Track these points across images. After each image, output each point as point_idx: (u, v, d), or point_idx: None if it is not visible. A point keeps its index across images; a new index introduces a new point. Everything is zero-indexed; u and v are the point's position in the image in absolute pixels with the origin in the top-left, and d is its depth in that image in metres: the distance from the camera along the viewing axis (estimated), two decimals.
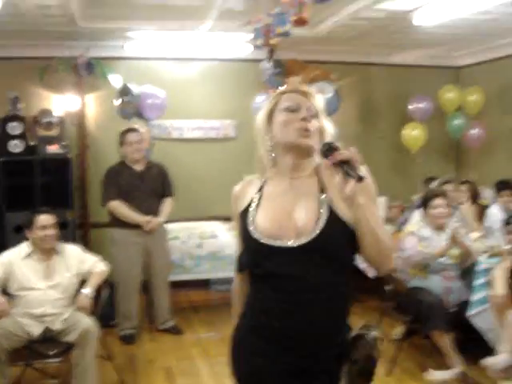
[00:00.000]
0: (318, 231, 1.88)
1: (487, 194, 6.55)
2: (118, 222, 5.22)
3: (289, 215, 1.94)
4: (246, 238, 1.98)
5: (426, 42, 6.67)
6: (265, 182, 2.09)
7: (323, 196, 1.95)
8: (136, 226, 5.19)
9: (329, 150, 1.84)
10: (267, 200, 2.02)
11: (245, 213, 2.02)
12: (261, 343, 1.96)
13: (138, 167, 5.31)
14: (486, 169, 7.37)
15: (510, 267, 3.78)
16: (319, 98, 2.06)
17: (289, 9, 3.95)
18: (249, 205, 2.04)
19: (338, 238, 1.90)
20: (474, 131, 7.21)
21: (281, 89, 2.11)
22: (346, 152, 1.80)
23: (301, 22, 3.86)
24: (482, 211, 5.93)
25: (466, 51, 7.36)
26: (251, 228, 1.96)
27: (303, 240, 1.88)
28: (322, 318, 1.90)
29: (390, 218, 6.62)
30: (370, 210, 1.87)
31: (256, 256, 1.96)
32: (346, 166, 1.79)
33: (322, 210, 1.91)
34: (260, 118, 2.11)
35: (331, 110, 6.36)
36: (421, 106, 7.20)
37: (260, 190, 2.06)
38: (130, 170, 5.28)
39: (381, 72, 7.69)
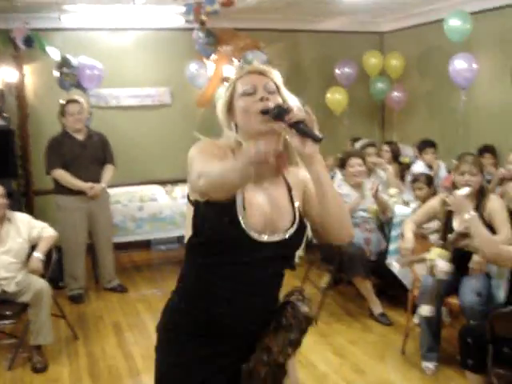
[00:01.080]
0: (291, 232, 1.92)
1: (408, 152, 7.07)
2: (62, 189, 5.44)
3: (271, 212, 1.92)
4: (230, 226, 1.85)
5: (350, 10, 7.03)
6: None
7: (296, 204, 1.97)
8: (79, 193, 5.43)
9: (281, 112, 1.80)
10: (250, 191, 1.91)
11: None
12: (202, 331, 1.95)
13: (80, 136, 5.53)
14: (408, 128, 7.92)
15: (416, 221, 4.22)
16: (276, 73, 2.00)
17: None
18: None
19: (302, 239, 1.98)
20: (396, 94, 7.70)
21: (235, 75, 2.05)
22: (300, 113, 1.77)
23: (228, 4, 4.19)
24: (402, 169, 6.44)
25: (389, 17, 7.79)
26: (239, 214, 1.86)
27: (276, 237, 1.90)
28: (267, 306, 1.99)
29: None
30: (327, 172, 1.87)
31: (238, 245, 1.88)
32: (302, 126, 1.75)
33: (295, 213, 1.95)
34: (219, 109, 2.02)
35: None
36: (345, 70, 7.63)
37: None
38: (72, 139, 5.49)
39: (308, 38, 8.06)
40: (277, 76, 1.99)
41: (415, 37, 7.71)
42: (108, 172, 5.67)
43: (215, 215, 1.85)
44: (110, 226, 5.87)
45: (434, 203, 4.12)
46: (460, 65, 6.18)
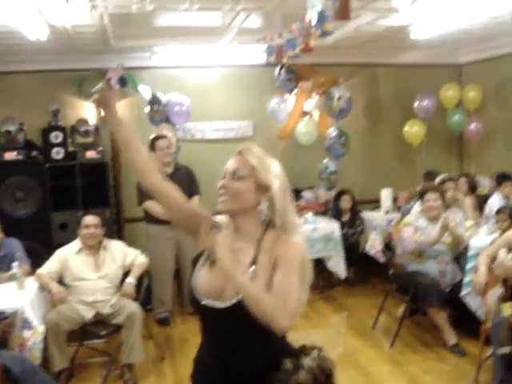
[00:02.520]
0: (232, 300, 1.97)
1: (486, 183, 7.11)
2: (152, 219, 5.76)
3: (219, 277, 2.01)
4: (192, 291, 2.11)
5: (427, 44, 7.16)
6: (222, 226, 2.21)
7: (251, 269, 2.00)
8: (168, 222, 5.77)
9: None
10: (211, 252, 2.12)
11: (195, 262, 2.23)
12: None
13: (168, 170, 5.87)
14: (486, 160, 7.96)
15: (492, 254, 4.32)
16: (255, 154, 2.11)
17: (297, 36, 4.55)
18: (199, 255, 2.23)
19: (246, 312, 1.88)
20: (473, 125, 7.78)
21: None
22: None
23: (307, 50, 4.48)
24: (480, 201, 6.48)
25: (467, 49, 7.88)
26: (195, 281, 2.12)
27: (226, 302, 1.99)
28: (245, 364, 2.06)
29: (398, 206, 7.20)
30: (238, 284, 1.89)
31: (197, 308, 2.12)
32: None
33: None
34: None
35: (346, 112, 7.00)
36: (424, 103, 7.77)
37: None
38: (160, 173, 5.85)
39: (386, 71, 8.28)
40: (255, 156, 2.10)
41: (493, 68, 7.78)
42: (195, 202, 6.00)
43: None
44: (196, 254, 6.14)
45: (511, 235, 4.21)
46: None
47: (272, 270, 1.98)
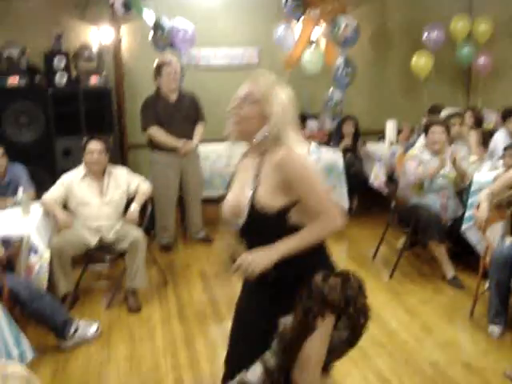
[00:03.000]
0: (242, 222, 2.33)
1: (492, 118, 7.07)
2: (156, 145, 5.82)
3: (236, 194, 2.41)
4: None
5: None
6: (244, 154, 2.54)
7: (252, 184, 2.32)
8: (172, 149, 5.79)
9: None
10: (237, 173, 2.51)
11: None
12: None
13: (173, 96, 5.83)
14: (494, 94, 7.87)
15: (494, 190, 4.32)
16: (266, 81, 2.36)
17: None
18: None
19: (254, 228, 2.31)
20: (483, 59, 7.66)
21: None
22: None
23: None
24: (485, 136, 6.45)
25: None
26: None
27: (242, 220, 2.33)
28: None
29: (400, 139, 7.20)
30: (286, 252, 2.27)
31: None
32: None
33: (248, 198, 2.30)
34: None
35: (352, 41, 6.87)
36: (433, 35, 7.60)
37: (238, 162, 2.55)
38: (165, 99, 5.81)
39: (395, 0, 8.07)
40: (245, 88, 2.37)
41: (505, 0, 7.57)
42: (199, 130, 5.99)
43: None
44: (199, 181, 6.19)
45: None
46: None
47: (272, 175, 2.27)
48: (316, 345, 2.29)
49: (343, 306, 2.28)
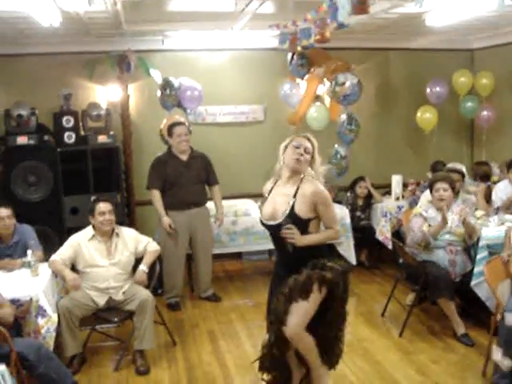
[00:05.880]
0: (281, 219, 3.55)
1: (497, 171, 7.10)
2: (166, 204, 5.84)
3: (270, 205, 3.68)
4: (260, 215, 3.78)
5: (440, 30, 7.07)
6: (275, 182, 3.78)
7: (292, 199, 3.57)
8: (182, 208, 5.84)
9: (283, 225, 3.52)
10: (272, 194, 3.73)
11: (264, 201, 3.77)
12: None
13: (184, 157, 5.89)
14: (497, 147, 7.93)
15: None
16: (314, 141, 3.67)
17: (312, 26, 4.52)
18: (267, 196, 3.77)
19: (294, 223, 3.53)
20: (485, 112, 7.74)
21: (294, 136, 3.70)
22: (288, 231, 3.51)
23: (323, 41, 4.46)
24: (491, 190, 6.47)
25: (479, 35, 7.80)
26: (260, 210, 3.78)
27: (276, 221, 3.59)
28: (292, 256, 3.59)
29: (405, 195, 7.23)
30: (310, 242, 3.58)
31: (262, 225, 3.75)
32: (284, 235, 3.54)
33: (288, 206, 3.55)
34: (281, 147, 3.71)
35: (354, 98, 6.96)
36: (436, 89, 7.73)
37: (272, 188, 3.77)
38: (177, 159, 5.86)
39: (398, 56, 8.21)
40: (314, 143, 3.68)
41: (506, 55, 7.71)
42: (217, 194, 6.15)
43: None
44: (210, 240, 6.18)
45: None
46: None
47: (306, 198, 3.55)
48: (308, 305, 3.52)
49: (336, 281, 3.52)
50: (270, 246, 6.12)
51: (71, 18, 5.43)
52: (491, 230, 5.24)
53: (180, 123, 5.96)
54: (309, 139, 3.66)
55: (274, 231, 3.63)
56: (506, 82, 7.70)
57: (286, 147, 3.66)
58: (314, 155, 3.66)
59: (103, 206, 4.81)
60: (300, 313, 3.53)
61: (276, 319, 3.60)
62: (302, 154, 3.58)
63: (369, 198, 7.32)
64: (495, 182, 6.60)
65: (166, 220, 5.77)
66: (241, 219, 6.60)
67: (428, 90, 7.78)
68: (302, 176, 3.64)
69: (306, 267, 3.52)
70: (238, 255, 7.63)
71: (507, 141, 7.82)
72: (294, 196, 3.58)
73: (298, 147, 3.59)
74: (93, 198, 5.38)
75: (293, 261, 3.60)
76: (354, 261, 6.68)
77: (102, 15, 5.53)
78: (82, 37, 6.74)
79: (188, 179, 5.84)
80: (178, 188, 5.80)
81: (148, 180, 5.92)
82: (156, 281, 5.11)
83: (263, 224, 3.71)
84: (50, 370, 3.86)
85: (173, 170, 5.82)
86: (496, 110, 7.74)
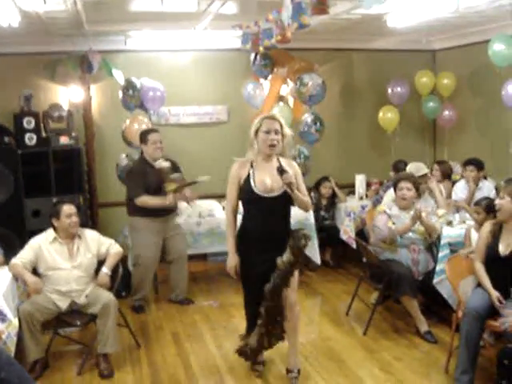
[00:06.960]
0: (281, 191, 3.91)
1: (458, 169, 7.21)
2: (140, 211, 5.70)
3: (266, 181, 3.94)
4: (250, 191, 3.95)
5: (402, 31, 7.15)
6: (253, 162, 4.02)
7: (291, 173, 3.89)
8: (156, 215, 5.74)
9: (281, 172, 3.83)
10: (257, 172, 3.98)
11: (248, 179, 3.97)
12: (252, 238, 4.03)
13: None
14: (458, 147, 8.06)
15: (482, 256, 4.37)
16: (280, 119, 3.96)
17: (273, 26, 4.53)
18: (248, 175, 3.97)
19: (286, 195, 3.92)
20: (447, 112, 7.86)
21: (262, 116, 4.01)
22: (287, 177, 3.82)
23: (284, 41, 4.47)
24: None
25: (441, 36, 7.90)
26: (253, 186, 3.94)
27: (275, 193, 3.93)
28: (279, 225, 4.01)
29: (369, 195, 7.30)
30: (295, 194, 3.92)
31: (255, 199, 3.96)
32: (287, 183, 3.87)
33: (281, 182, 3.85)
34: (251, 132, 3.98)
35: (318, 99, 7.00)
36: (398, 89, 7.82)
37: (252, 167, 4.00)
38: (152, 167, 5.71)
39: (361, 57, 8.30)
40: (282, 122, 3.96)
41: (466, 55, 7.84)
42: (187, 192, 5.97)
43: (245, 189, 4.01)
44: (184, 244, 6.15)
45: (486, 231, 4.31)
46: None
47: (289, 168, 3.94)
48: (296, 274, 4.09)
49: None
50: None
51: (31, 18, 5.35)
52: (453, 229, 5.32)
53: (154, 130, 5.91)
54: (275, 118, 3.93)
55: (272, 202, 3.93)
56: (467, 83, 7.83)
57: (257, 132, 3.91)
58: (283, 132, 3.93)
59: (69, 208, 4.72)
60: (295, 283, 4.09)
61: (272, 296, 3.96)
62: (274, 139, 3.86)
63: (333, 197, 7.37)
64: (456, 181, 6.69)
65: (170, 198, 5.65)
66: (205, 220, 6.56)
67: (389, 91, 7.86)
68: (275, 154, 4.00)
69: (287, 238, 3.92)
70: (203, 256, 7.58)
71: (468, 140, 7.95)
72: (281, 169, 3.87)
73: (268, 132, 3.86)
74: (55, 200, 5.30)
75: (277, 228, 3.98)
76: (318, 260, 6.71)
77: (62, 15, 5.46)
78: (43, 37, 6.65)
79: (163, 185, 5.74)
80: (157, 195, 5.68)
81: (133, 190, 5.74)
82: (120, 283, 5.06)
83: (260, 198, 3.92)
84: (11, 375, 3.76)
85: (154, 179, 5.68)
86: (457, 110, 7.86)
